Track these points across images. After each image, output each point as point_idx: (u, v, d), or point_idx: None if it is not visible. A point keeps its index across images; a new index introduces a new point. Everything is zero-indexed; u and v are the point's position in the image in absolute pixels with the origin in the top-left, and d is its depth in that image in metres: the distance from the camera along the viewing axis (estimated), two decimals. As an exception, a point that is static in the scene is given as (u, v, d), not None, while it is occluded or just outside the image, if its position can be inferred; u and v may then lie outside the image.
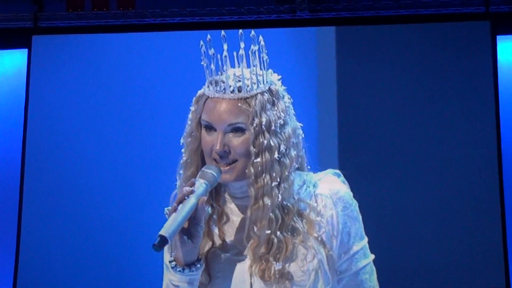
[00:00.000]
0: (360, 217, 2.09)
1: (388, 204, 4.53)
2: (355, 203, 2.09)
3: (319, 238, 1.99)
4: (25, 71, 4.89)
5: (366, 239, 2.08)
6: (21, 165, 4.73)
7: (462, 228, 4.47)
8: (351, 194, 2.13)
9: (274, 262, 1.93)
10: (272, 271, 1.93)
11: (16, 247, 4.64)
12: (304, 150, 2.04)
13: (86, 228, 4.62)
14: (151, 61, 4.78)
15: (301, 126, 2.02)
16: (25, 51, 4.93)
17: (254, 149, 1.88)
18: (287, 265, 1.94)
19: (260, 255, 1.92)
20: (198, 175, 1.85)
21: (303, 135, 2.04)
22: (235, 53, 1.90)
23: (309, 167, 2.11)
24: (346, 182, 2.09)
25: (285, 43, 4.73)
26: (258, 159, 1.90)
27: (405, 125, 4.61)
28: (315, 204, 2.01)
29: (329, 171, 2.08)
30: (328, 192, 2.05)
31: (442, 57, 4.64)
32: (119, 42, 4.87)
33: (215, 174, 1.90)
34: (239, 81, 1.88)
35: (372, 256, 2.05)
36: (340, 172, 2.05)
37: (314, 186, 2.04)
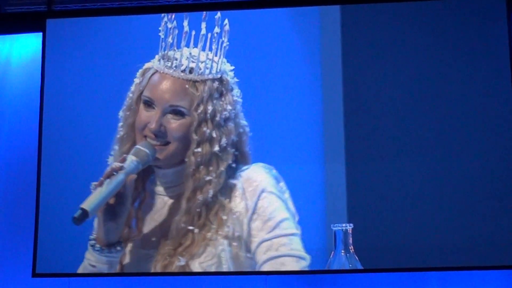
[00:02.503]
0: (278, 202, 2.00)
1: (402, 186, 4.49)
2: (273, 190, 2.01)
3: (229, 235, 1.92)
4: (40, 55, 4.88)
5: (285, 217, 2.00)
6: (38, 151, 4.72)
7: (480, 209, 4.44)
8: (272, 182, 2.06)
9: (180, 258, 1.88)
10: (174, 267, 1.88)
11: (34, 231, 4.65)
12: (249, 152, 1.97)
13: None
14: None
15: (246, 125, 1.95)
16: (40, 35, 4.92)
17: (196, 137, 1.79)
18: (190, 261, 1.89)
19: (167, 251, 1.85)
20: (131, 152, 1.76)
21: (249, 134, 1.97)
22: (193, 32, 1.83)
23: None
24: (274, 174, 2.00)
25: (286, 24, 4.67)
26: (199, 149, 1.82)
27: (417, 107, 4.55)
28: (229, 200, 1.94)
29: (258, 164, 2.00)
30: (243, 184, 1.98)
31: (455, 34, 4.57)
32: (135, 24, 4.83)
33: (149, 153, 1.81)
34: (193, 62, 1.79)
35: (294, 231, 1.97)
36: (270, 166, 1.97)
37: (235, 178, 1.97)
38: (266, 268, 1.94)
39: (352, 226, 4.11)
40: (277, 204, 2.26)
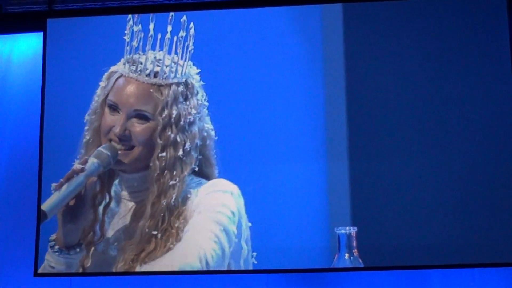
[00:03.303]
0: (225, 221, 1.98)
1: (404, 184, 4.48)
2: (226, 208, 1.99)
3: (182, 239, 1.91)
4: (41, 55, 4.88)
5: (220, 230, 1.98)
6: (39, 151, 4.72)
7: (483, 207, 4.43)
8: (228, 202, 2.05)
9: (143, 265, 1.87)
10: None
11: (36, 231, 4.65)
12: (215, 156, 1.95)
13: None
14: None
15: (211, 129, 1.93)
16: (40, 34, 4.92)
17: (161, 142, 1.77)
18: (148, 266, 1.89)
19: (130, 256, 1.85)
20: (93, 154, 1.74)
21: (215, 138, 1.95)
22: (159, 36, 1.82)
23: (216, 175, 2.05)
24: (231, 192, 1.96)
25: (288, 22, 4.66)
26: (164, 154, 1.80)
27: (419, 106, 4.54)
28: (186, 207, 1.94)
29: (219, 181, 1.95)
30: (200, 198, 1.96)
31: (457, 32, 4.56)
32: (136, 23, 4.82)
33: (110, 155, 1.80)
34: (158, 66, 1.77)
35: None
36: (231, 186, 1.91)
37: (193, 189, 1.96)
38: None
39: (356, 230, 4.10)
40: (222, 217, 2.24)
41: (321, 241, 4.45)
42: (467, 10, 4.59)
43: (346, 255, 4.01)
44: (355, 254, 4.04)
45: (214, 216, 2.01)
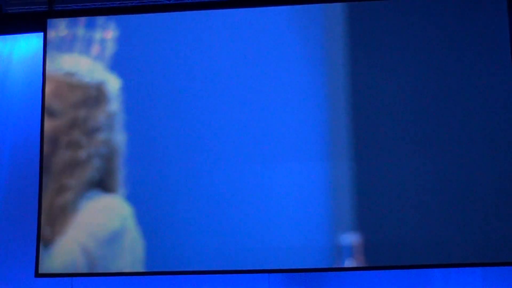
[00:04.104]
0: (92, 245, 1.97)
1: (407, 183, 4.48)
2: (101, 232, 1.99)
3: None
4: (41, 55, 4.87)
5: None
6: (40, 150, 4.71)
7: (483, 205, 4.42)
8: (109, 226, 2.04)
9: None
10: None
11: (37, 232, 4.65)
12: (118, 168, 1.92)
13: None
14: (167, 42, 4.73)
15: (121, 140, 1.91)
16: (41, 34, 4.91)
17: (64, 140, 1.78)
18: None
19: None
20: None
21: (122, 151, 1.93)
22: (80, 37, 1.82)
23: (117, 187, 2.04)
24: (120, 214, 1.94)
25: (290, 22, 4.66)
26: (67, 152, 1.80)
27: (420, 106, 4.53)
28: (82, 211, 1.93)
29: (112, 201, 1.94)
30: (86, 212, 1.95)
31: (457, 30, 4.56)
32: (135, 24, 4.82)
33: None
34: (75, 66, 1.78)
35: None
36: (124, 209, 1.90)
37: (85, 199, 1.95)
38: None
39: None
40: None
41: (322, 241, 4.45)
42: (467, 10, 4.58)
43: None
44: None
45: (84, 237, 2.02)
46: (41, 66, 4.78)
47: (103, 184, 1.89)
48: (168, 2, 4.85)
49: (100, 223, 2.06)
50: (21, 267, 4.83)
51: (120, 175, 1.87)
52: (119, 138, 1.72)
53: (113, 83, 1.70)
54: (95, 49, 1.58)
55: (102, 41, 1.58)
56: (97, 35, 1.59)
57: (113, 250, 2.52)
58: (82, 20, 1.43)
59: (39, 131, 4.73)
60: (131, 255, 4.35)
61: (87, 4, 4.88)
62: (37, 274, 4.61)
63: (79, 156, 1.67)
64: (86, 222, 2.02)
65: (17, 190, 4.95)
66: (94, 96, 1.71)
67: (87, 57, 1.54)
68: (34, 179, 4.74)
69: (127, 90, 4.62)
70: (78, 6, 4.90)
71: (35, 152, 4.78)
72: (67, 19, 4.79)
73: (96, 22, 1.53)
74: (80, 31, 1.51)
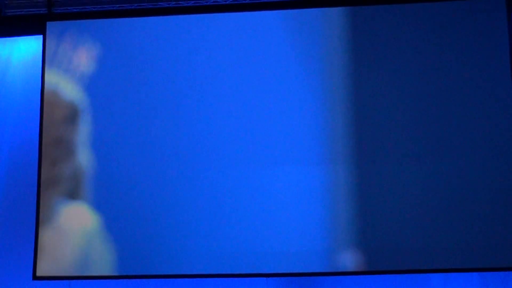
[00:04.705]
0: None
1: (407, 188, 4.47)
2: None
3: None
4: (40, 57, 4.87)
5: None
6: (38, 152, 4.71)
7: (484, 210, 4.42)
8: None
9: None
10: None
11: (35, 234, 4.64)
12: (84, 185, 1.93)
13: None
14: (166, 45, 4.73)
15: (91, 158, 1.91)
16: (40, 37, 4.91)
17: (52, 154, 1.80)
18: None
19: None
20: None
21: (88, 169, 1.95)
22: (60, 53, 1.82)
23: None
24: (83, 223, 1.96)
25: (290, 25, 4.66)
26: (53, 167, 1.82)
27: (420, 109, 4.53)
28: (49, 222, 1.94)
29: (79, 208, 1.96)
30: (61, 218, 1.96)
31: (457, 35, 4.56)
32: (134, 27, 4.82)
33: None
34: (54, 83, 1.78)
35: None
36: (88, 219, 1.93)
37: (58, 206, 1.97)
38: None
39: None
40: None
41: (321, 245, 4.45)
42: (467, 13, 4.59)
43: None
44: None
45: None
46: (40, 69, 4.80)
47: (74, 196, 1.93)
48: (168, 5, 4.85)
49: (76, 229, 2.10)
50: (18, 270, 4.82)
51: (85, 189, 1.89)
52: (88, 155, 1.74)
53: (84, 101, 1.70)
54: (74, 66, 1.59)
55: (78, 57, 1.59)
56: (82, 52, 1.60)
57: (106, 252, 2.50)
58: (71, 33, 1.43)
59: (37, 134, 4.73)
60: (127, 258, 4.35)
61: (87, 7, 4.88)
62: (35, 277, 4.60)
63: (58, 171, 1.69)
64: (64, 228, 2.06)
65: (15, 193, 4.95)
66: (68, 114, 1.73)
67: (63, 76, 1.56)
68: (32, 182, 4.74)
69: (126, 90, 4.63)
70: (77, 9, 4.90)
71: (33, 154, 4.78)
72: (66, 21, 4.81)
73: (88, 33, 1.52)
74: (67, 46, 1.52)
